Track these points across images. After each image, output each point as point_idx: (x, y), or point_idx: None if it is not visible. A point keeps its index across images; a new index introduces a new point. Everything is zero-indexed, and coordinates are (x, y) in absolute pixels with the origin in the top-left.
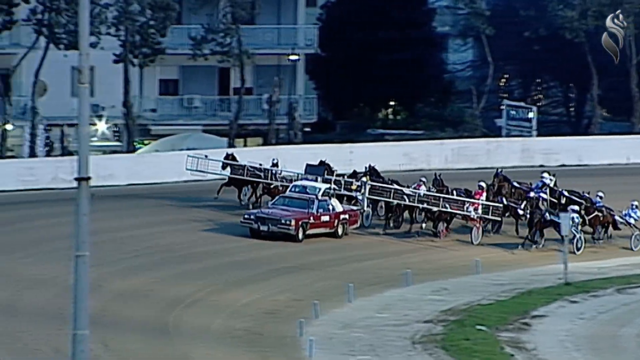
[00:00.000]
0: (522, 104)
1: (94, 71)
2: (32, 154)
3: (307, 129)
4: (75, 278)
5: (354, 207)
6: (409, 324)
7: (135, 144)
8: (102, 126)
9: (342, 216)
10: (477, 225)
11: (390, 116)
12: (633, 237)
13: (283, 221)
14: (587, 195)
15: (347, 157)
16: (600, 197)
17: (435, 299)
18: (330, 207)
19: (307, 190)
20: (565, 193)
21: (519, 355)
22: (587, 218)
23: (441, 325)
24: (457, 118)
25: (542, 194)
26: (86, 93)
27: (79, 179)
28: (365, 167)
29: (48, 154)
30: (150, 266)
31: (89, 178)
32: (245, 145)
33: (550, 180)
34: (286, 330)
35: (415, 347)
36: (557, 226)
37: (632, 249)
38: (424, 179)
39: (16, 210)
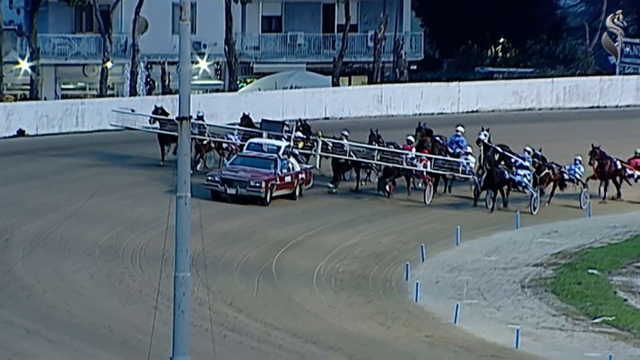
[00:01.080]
0: (637, 40)
1: (195, 8)
2: (133, 92)
3: (413, 67)
4: (177, 220)
5: (307, 166)
6: (518, 268)
7: (237, 82)
8: (203, 64)
9: (300, 176)
10: (430, 183)
11: (500, 54)
12: (582, 194)
13: (253, 183)
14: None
15: (455, 95)
16: (529, 152)
17: (545, 242)
18: (291, 166)
19: (266, 148)
20: (499, 149)
21: (632, 299)
22: (538, 176)
23: (551, 268)
24: (569, 55)
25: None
26: (187, 30)
27: (180, 119)
28: (297, 121)
29: (149, 92)
30: (251, 208)
31: (190, 117)
32: (349, 84)
33: (485, 135)
34: (391, 274)
35: (524, 291)
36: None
37: (581, 208)
38: (345, 132)
39: (116, 150)
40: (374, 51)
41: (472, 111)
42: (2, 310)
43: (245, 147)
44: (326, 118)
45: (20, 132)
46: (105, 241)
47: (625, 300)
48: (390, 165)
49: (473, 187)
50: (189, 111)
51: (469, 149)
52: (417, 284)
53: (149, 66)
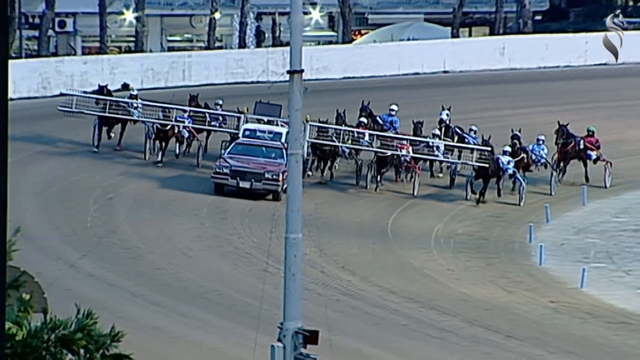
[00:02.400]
0: None
1: None
2: (242, 44)
3: (538, 18)
4: (289, 178)
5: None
6: None
7: (351, 34)
8: (316, 15)
9: None
10: (418, 170)
11: (630, 3)
12: (553, 178)
13: (269, 175)
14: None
15: (582, 48)
16: (475, 132)
17: None
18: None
19: (269, 135)
20: (458, 130)
21: None
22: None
23: None
24: None
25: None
26: None
27: (291, 72)
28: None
29: (258, 44)
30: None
31: (301, 71)
32: (470, 36)
33: (447, 115)
34: (514, 235)
35: None
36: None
37: (551, 194)
38: (220, 101)
39: (225, 105)
40: (496, 1)
41: (601, 64)
42: (106, 272)
43: (241, 134)
44: (445, 72)
45: (125, 86)
46: (212, 201)
47: None
48: (389, 152)
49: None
50: (300, 64)
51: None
52: (541, 246)
53: (258, 17)
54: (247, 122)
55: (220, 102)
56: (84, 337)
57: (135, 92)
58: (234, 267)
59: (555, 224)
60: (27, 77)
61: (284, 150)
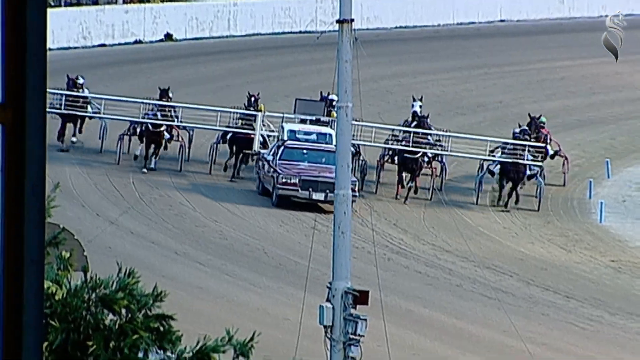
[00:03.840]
0: None
1: None
2: None
3: None
4: (337, 132)
5: None
6: None
7: None
8: None
9: None
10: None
11: None
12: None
13: None
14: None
15: None
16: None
17: None
18: None
19: (319, 138)
20: (428, 122)
21: None
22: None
23: None
24: None
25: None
26: None
27: (340, 22)
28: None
29: None
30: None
31: (352, 20)
32: None
33: (420, 107)
34: (572, 192)
35: None
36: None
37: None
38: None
39: (272, 56)
40: None
41: None
42: (149, 229)
43: (285, 135)
44: (502, 21)
45: (168, 36)
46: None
47: None
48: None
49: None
50: (350, 13)
51: None
52: (601, 203)
53: None
54: (263, 121)
55: None
56: (125, 296)
57: (81, 81)
58: (280, 225)
59: (616, 179)
60: (66, 26)
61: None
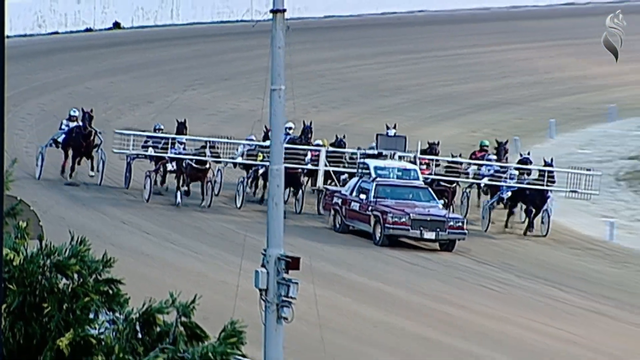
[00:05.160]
0: None
1: None
2: None
3: None
4: (271, 112)
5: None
6: (613, 161)
7: None
8: None
9: None
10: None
11: None
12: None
13: (452, 223)
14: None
15: None
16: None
17: None
18: None
19: (404, 174)
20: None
21: None
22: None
23: None
24: None
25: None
26: None
27: (274, 11)
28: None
29: None
30: (348, 100)
31: (284, 10)
32: None
33: (395, 133)
34: None
35: (619, 184)
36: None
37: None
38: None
39: (212, 43)
40: None
41: (566, 3)
42: (98, 202)
43: (374, 173)
44: (421, 11)
45: (116, 25)
46: (201, 132)
47: None
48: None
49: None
50: (282, 4)
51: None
52: (512, 174)
53: None
54: (327, 155)
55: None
56: (77, 262)
57: (75, 113)
58: (222, 199)
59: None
60: (22, 15)
61: (430, 190)
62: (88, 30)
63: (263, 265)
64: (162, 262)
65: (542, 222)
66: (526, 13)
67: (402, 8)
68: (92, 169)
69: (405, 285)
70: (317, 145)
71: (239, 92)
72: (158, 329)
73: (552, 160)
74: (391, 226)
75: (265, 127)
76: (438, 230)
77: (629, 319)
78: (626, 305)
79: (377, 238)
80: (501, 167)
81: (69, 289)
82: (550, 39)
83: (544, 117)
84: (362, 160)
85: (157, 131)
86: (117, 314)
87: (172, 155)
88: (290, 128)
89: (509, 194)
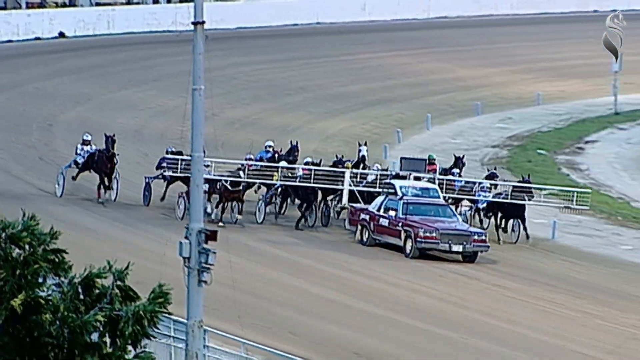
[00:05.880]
0: None
1: None
2: (155, 0)
3: None
4: (192, 108)
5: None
6: (479, 149)
7: None
8: None
9: None
10: None
11: None
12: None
13: (476, 237)
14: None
15: (426, 3)
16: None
17: (501, 127)
18: None
19: (423, 193)
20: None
21: (573, 175)
22: None
23: (506, 149)
24: None
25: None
26: None
27: (195, 23)
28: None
29: (169, 1)
30: (256, 98)
31: (203, 22)
32: None
33: (367, 151)
34: (373, 153)
35: (484, 167)
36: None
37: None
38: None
39: (142, 50)
40: None
41: (441, 17)
42: (50, 185)
43: (397, 192)
44: (318, 23)
45: (61, 34)
46: (132, 126)
47: (568, 175)
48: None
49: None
50: (202, 17)
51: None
52: (393, 162)
53: None
54: (353, 176)
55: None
56: (28, 235)
57: (88, 138)
58: (156, 184)
59: (405, 144)
60: None
61: (451, 207)
62: (37, 39)
63: (186, 237)
64: (102, 235)
65: (513, 230)
66: (406, 25)
67: (302, 20)
68: (109, 189)
69: (316, 257)
70: (307, 163)
71: (166, 92)
72: (97, 291)
73: (529, 176)
74: (422, 240)
75: (272, 148)
76: (464, 243)
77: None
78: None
79: (408, 251)
80: (474, 182)
81: (21, 258)
82: (425, 47)
83: (421, 112)
84: (387, 180)
85: (169, 154)
86: (62, 279)
87: (210, 177)
88: (270, 146)
89: (485, 204)
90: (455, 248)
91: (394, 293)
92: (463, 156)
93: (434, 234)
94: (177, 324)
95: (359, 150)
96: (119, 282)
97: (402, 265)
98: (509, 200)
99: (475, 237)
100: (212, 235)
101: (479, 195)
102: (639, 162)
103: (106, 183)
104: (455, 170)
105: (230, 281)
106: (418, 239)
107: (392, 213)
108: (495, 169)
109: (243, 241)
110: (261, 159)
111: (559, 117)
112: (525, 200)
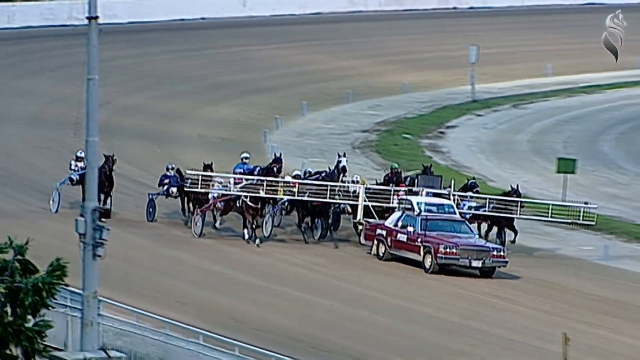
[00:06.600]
0: None
1: None
2: None
3: None
4: (87, 96)
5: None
6: (350, 133)
7: None
8: None
9: None
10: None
11: None
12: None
13: (494, 252)
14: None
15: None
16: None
17: (371, 114)
18: None
19: (439, 209)
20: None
21: (435, 157)
22: None
23: (375, 134)
24: None
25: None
26: None
27: (89, 18)
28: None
29: None
30: (147, 87)
31: (97, 17)
32: None
33: (346, 162)
34: (253, 138)
35: (355, 150)
36: None
37: None
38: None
39: (39, 43)
40: None
41: (316, 13)
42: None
43: (419, 208)
44: (203, 18)
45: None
46: (31, 112)
47: (431, 157)
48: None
49: None
50: (96, 12)
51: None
52: (272, 146)
53: None
54: (366, 192)
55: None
56: None
57: (82, 154)
58: (50, 164)
59: (284, 129)
60: None
61: (467, 223)
62: None
63: (82, 215)
64: (4, 214)
65: (498, 237)
66: (283, 20)
67: (189, 15)
68: (104, 203)
69: (210, 235)
70: (295, 177)
71: (63, 81)
72: None
73: (517, 186)
74: (443, 256)
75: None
76: (484, 259)
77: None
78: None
79: (428, 266)
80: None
81: None
82: (301, 40)
83: (297, 100)
84: (404, 197)
85: (169, 171)
86: None
87: (235, 193)
88: (246, 158)
89: (469, 216)
90: (474, 264)
91: (276, 266)
92: (431, 165)
93: (454, 250)
94: (74, 295)
95: (339, 162)
96: (19, 257)
97: (285, 242)
98: (518, 216)
99: (494, 252)
100: (105, 214)
101: (463, 206)
102: (494, 146)
103: (101, 199)
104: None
105: (125, 256)
106: (439, 255)
107: (411, 229)
108: (473, 178)
109: (129, 217)
110: (242, 173)
111: (423, 105)
112: (513, 212)
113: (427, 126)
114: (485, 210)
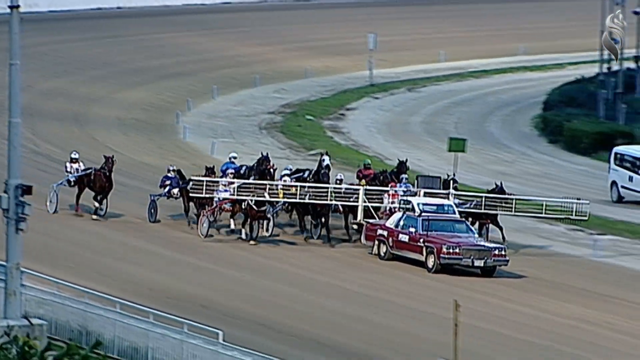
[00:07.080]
0: None
1: None
2: None
3: None
4: (10, 81)
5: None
6: (257, 115)
7: None
8: None
9: None
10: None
11: None
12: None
13: (496, 252)
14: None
15: None
16: (341, 181)
17: (276, 97)
18: None
19: (438, 209)
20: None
21: (336, 137)
22: None
23: (280, 115)
24: None
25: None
26: None
27: (11, 7)
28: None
29: None
30: (67, 72)
31: (18, 6)
32: None
33: (330, 160)
34: (166, 119)
35: (261, 131)
36: None
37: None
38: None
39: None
40: None
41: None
42: None
43: (419, 208)
44: (118, 7)
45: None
46: None
47: (332, 137)
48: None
49: None
50: (18, 1)
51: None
52: (185, 127)
53: None
54: (367, 193)
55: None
56: None
57: (76, 156)
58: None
59: (195, 112)
60: None
61: (467, 223)
62: None
63: (5, 192)
64: None
65: (481, 234)
66: (196, 9)
67: (106, 4)
68: (100, 203)
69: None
70: (284, 176)
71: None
72: None
73: (501, 183)
74: (446, 256)
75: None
76: (486, 258)
77: None
78: None
79: (431, 266)
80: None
81: None
82: (212, 28)
83: (208, 84)
84: (404, 198)
85: (170, 172)
86: None
87: (241, 198)
88: (234, 157)
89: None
90: (477, 263)
91: (275, 266)
92: (406, 160)
93: (457, 250)
94: None
95: (322, 160)
96: None
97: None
98: (514, 214)
99: (495, 252)
100: (27, 190)
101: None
102: (391, 126)
103: (98, 199)
104: (404, 176)
105: (48, 231)
106: (442, 255)
107: (412, 229)
108: (454, 174)
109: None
110: (227, 170)
111: (325, 88)
112: (497, 209)
113: (329, 108)
114: (468, 208)
